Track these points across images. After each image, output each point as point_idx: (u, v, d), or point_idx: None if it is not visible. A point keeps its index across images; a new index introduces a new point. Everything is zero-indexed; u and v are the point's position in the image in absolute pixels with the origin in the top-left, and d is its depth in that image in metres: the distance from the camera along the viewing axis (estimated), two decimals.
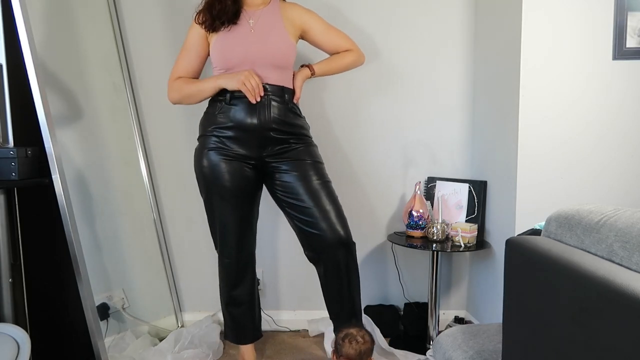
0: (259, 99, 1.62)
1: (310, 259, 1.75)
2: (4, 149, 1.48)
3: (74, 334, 1.74)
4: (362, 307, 2.32)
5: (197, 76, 1.79)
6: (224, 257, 1.79)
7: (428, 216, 2.12)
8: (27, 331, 1.37)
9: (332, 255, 1.68)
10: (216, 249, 1.82)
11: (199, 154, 1.72)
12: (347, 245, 1.69)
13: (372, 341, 1.69)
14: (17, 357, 1.27)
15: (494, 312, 2.07)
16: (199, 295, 2.31)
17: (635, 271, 0.72)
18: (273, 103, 1.67)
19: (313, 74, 1.78)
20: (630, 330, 0.62)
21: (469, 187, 2.14)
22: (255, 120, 1.64)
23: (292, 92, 1.73)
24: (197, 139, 1.76)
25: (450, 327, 1.82)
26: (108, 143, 2.07)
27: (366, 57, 2.21)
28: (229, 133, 1.66)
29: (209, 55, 1.75)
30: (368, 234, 2.32)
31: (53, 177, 1.53)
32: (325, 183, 1.73)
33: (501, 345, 1.03)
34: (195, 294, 2.32)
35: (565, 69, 1.77)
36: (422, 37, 2.22)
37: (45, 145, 1.52)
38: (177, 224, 2.29)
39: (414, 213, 2.11)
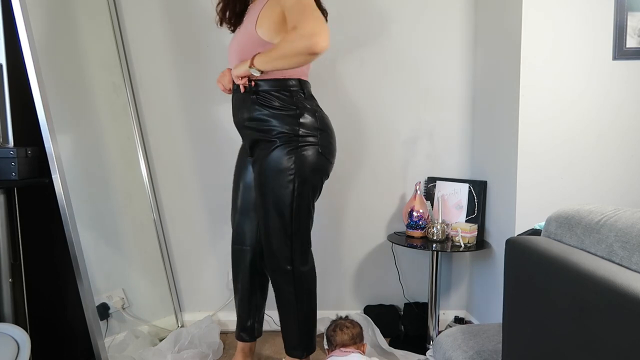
0: (228, 89, 1.72)
1: None
2: (4, 149, 1.48)
3: (74, 334, 1.74)
4: (362, 310, 2.33)
5: None
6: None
7: (428, 216, 2.12)
8: (27, 331, 1.37)
9: (271, 274, 1.72)
10: None
11: None
12: (285, 273, 1.65)
13: (361, 327, 1.73)
14: (17, 357, 1.27)
15: (494, 312, 2.07)
16: (199, 295, 2.31)
17: (635, 271, 0.72)
18: (241, 99, 1.63)
19: (252, 66, 1.50)
20: (630, 330, 0.62)
21: (469, 187, 2.14)
22: (235, 118, 1.70)
23: (264, 82, 1.58)
24: None
25: (450, 327, 1.82)
26: (108, 143, 2.07)
27: (366, 57, 2.22)
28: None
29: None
30: (368, 234, 2.32)
31: (53, 177, 1.53)
32: (267, 210, 1.61)
33: (501, 345, 1.03)
34: (195, 294, 2.32)
35: (565, 69, 1.77)
36: (422, 37, 2.21)
37: (45, 145, 1.52)
38: (177, 224, 2.29)
39: (414, 213, 2.11)
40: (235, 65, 1.58)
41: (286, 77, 1.58)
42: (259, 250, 1.77)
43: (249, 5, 1.68)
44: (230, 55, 1.66)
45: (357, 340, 1.70)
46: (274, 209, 1.60)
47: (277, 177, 1.57)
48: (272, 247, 1.64)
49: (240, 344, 1.89)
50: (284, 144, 1.57)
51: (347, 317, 1.79)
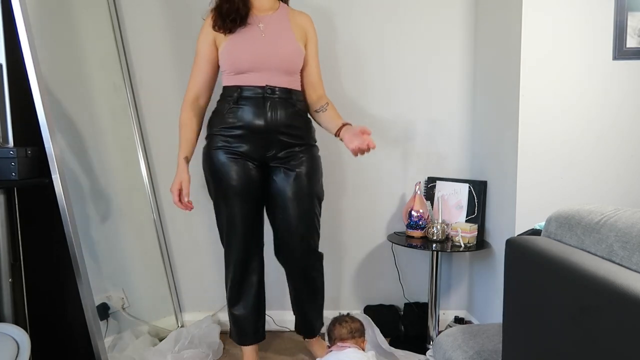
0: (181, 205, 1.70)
1: (280, 262, 1.90)
2: (4, 149, 1.48)
3: (73, 334, 1.74)
4: (362, 310, 2.34)
5: (212, 84, 1.78)
6: (230, 256, 1.80)
7: (428, 216, 2.12)
8: (27, 331, 1.37)
9: (295, 265, 1.84)
10: (224, 248, 1.83)
11: (207, 154, 1.74)
12: (318, 260, 1.87)
13: (362, 323, 1.74)
14: (17, 357, 1.27)
15: (494, 312, 2.07)
16: (199, 295, 2.31)
17: (635, 271, 0.72)
18: (280, 105, 1.68)
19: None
20: (630, 330, 0.62)
21: (469, 187, 2.14)
22: (262, 122, 1.66)
23: (299, 94, 1.76)
24: (205, 138, 1.78)
25: (450, 327, 1.82)
26: (108, 143, 2.07)
27: (367, 57, 2.22)
28: (236, 132, 1.68)
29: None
30: (368, 234, 2.32)
31: (53, 177, 1.53)
32: (313, 202, 1.78)
33: (501, 345, 1.03)
34: (195, 294, 2.32)
35: (566, 69, 1.77)
36: (422, 37, 2.21)
37: (45, 145, 1.51)
38: (177, 224, 2.29)
39: (414, 213, 2.11)
40: (350, 130, 1.65)
41: (300, 89, 1.78)
42: (261, 252, 1.86)
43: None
44: (259, 59, 1.65)
45: (355, 335, 1.70)
46: (316, 202, 1.79)
47: (316, 174, 1.78)
48: (312, 237, 1.80)
49: (249, 349, 1.90)
50: (314, 146, 1.80)
51: (348, 314, 1.80)
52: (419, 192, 2.14)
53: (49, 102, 1.53)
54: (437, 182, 2.23)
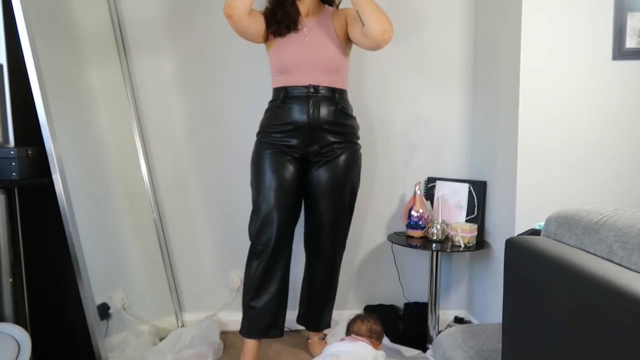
0: None
1: (306, 251, 2.00)
2: (4, 149, 1.49)
3: (74, 333, 1.74)
4: (362, 308, 2.34)
5: (252, 12, 1.72)
6: (257, 248, 1.83)
7: (428, 216, 2.13)
8: (27, 331, 1.37)
9: (322, 255, 1.94)
10: (250, 239, 1.86)
11: (255, 148, 1.87)
12: (334, 260, 1.96)
13: (383, 329, 1.76)
14: (17, 356, 1.27)
15: (494, 312, 2.07)
16: (199, 295, 2.31)
17: (635, 271, 0.72)
18: (323, 103, 1.77)
19: None
20: (630, 330, 0.62)
21: (469, 187, 2.14)
22: (305, 119, 1.76)
23: (343, 92, 1.83)
24: (256, 135, 1.88)
25: (450, 327, 1.83)
26: (108, 143, 2.07)
27: (367, 56, 2.22)
28: (284, 128, 1.79)
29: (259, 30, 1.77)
30: (368, 234, 2.32)
31: (53, 177, 1.53)
32: (345, 196, 1.87)
33: (501, 345, 1.03)
34: (195, 294, 2.32)
35: (565, 69, 1.77)
36: (422, 37, 2.22)
37: (46, 145, 1.52)
38: (177, 224, 2.29)
39: (414, 213, 2.11)
40: None
41: (345, 88, 1.85)
42: (290, 247, 1.91)
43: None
44: (302, 62, 1.75)
45: (373, 336, 1.72)
46: (348, 199, 1.89)
47: (354, 172, 1.88)
48: (340, 230, 1.91)
49: (252, 344, 1.90)
50: (355, 144, 1.89)
51: (373, 316, 1.82)
52: (419, 192, 2.14)
53: (49, 102, 1.53)
54: (437, 182, 2.24)
